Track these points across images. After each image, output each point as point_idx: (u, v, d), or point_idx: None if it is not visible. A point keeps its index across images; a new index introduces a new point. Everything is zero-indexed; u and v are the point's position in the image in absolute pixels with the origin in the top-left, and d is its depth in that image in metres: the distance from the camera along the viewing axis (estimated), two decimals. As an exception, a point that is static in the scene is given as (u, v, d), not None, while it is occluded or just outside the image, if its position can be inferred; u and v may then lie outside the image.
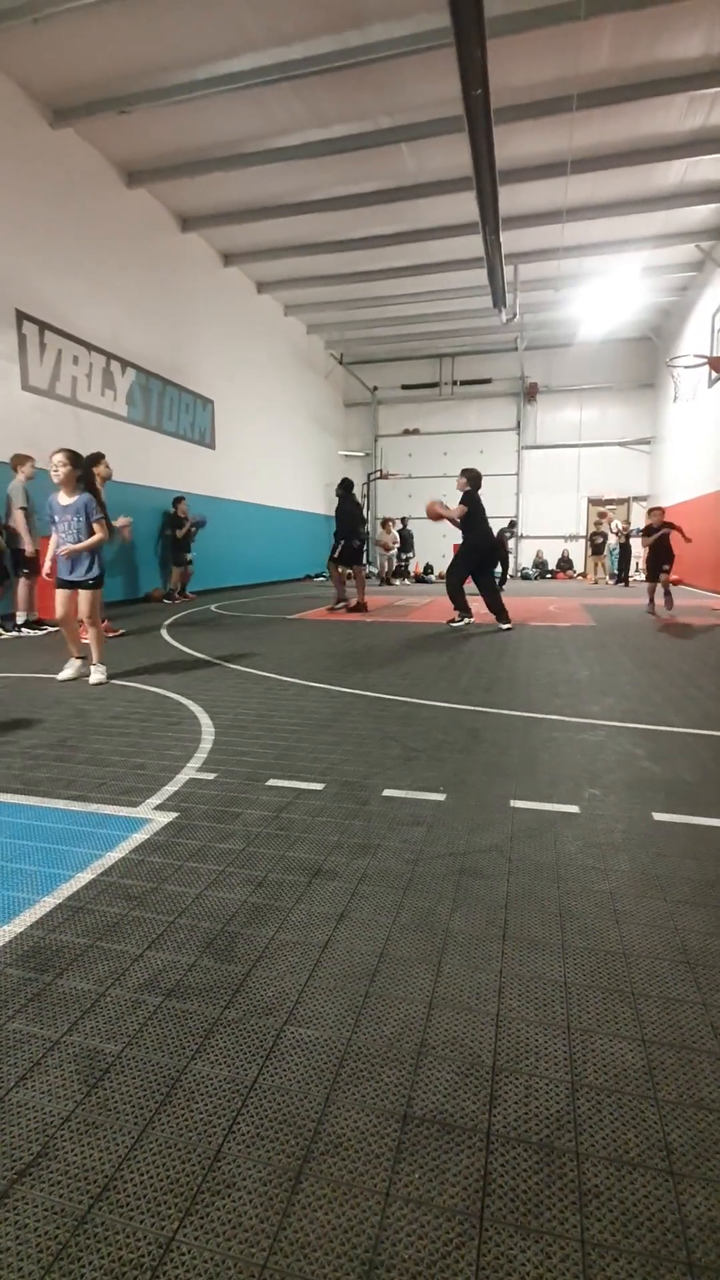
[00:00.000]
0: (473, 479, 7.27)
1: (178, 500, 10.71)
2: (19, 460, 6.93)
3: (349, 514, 8.84)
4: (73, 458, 4.36)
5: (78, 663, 4.56)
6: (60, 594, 4.48)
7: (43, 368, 8.35)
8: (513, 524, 15.98)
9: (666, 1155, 1.01)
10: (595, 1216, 0.92)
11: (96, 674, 4.40)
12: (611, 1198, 0.95)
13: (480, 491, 7.43)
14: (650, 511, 8.60)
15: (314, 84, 7.70)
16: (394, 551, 15.87)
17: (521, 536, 19.48)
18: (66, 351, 8.73)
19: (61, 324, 8.62)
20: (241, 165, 9.22)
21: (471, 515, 7.19)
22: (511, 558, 16.09)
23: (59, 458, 4.30)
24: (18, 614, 6.96)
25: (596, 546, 16.21)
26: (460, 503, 7.20)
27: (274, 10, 6.61)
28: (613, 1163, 1.00)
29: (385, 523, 16.07)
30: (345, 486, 9.05)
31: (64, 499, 4.37)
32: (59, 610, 4.49)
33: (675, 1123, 1.07)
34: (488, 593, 7.24)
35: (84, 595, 4.42)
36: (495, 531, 14.41)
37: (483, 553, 7.35)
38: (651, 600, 8.71)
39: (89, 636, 4.50)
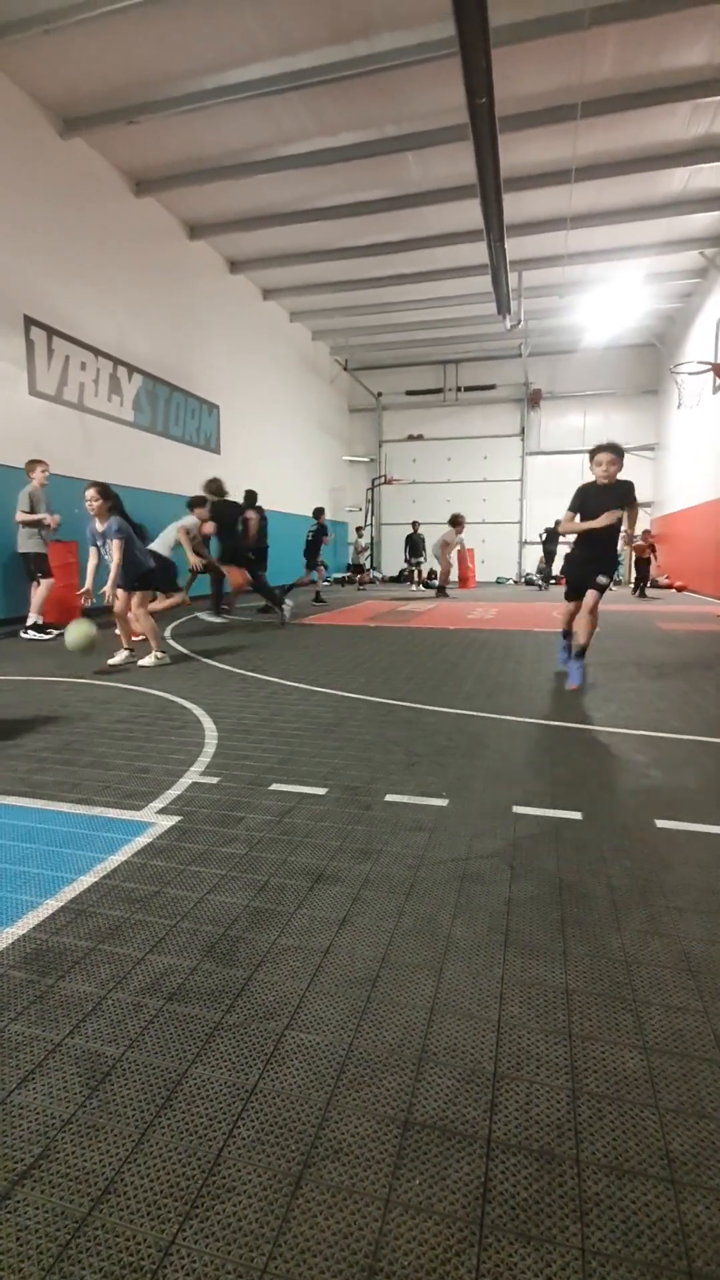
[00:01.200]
0: (203, 500, 8.18)
1: (320, 510, 11.29)
2: (31, 465, 6.96)
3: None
4: (102, 490, 4.92)
5: (125, 652, 5.16)
6: (122, 593, 5.14)
7: (50, 373, 8.41)
8: (549, 529, 15.73)
9: (667, 1164, 1.01)
10: (596, 1225, 0.92)
11: (148, 659, 5.04)
12: (612, 1206, 0.94)
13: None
14: (597, 451, 4.25)
15: (321, 93, 7.75)
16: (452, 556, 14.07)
17: (525, 542, 19.50)
18: (74, 357, 8.79)
19: (69, 330, 8.69)
20: (249, 173, 9.29)
21: (222, 527, 8.36)
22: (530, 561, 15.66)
23: (90, 493, 4.86)
24: (29, 616, 6.98)
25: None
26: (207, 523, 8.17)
27: (281, 20, 6.67)
28: (613, 1171, 1.00)
29: (456, 520, 13.87)
30: (249, 499, 9.88)
31: (100, 526, 4.96)
32: (116, 607, 5.17)
33: (676, 1131, 1.06)
34: (258, 586, 8.34)
35: (130, 596, 5.09)
36: (543, 537, 14.50)
37: (239, 553, 8.52)
38: (567, 639, 4.74)
39: (142, 629, 5.13)
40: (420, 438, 19.94)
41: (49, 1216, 0.93)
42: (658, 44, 7.02)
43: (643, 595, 13.12)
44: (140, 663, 5.03)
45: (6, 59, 7.20)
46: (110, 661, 5.09)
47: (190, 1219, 0.92)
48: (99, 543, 4.99)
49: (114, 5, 6.12)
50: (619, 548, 4.82)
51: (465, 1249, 0.89)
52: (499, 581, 18.76)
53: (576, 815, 2.31)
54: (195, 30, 6.78)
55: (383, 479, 18.69)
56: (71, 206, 8.57)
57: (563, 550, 16.67)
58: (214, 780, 2.66)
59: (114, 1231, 0.91)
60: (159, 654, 5.14)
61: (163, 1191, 0.96)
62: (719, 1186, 0.97)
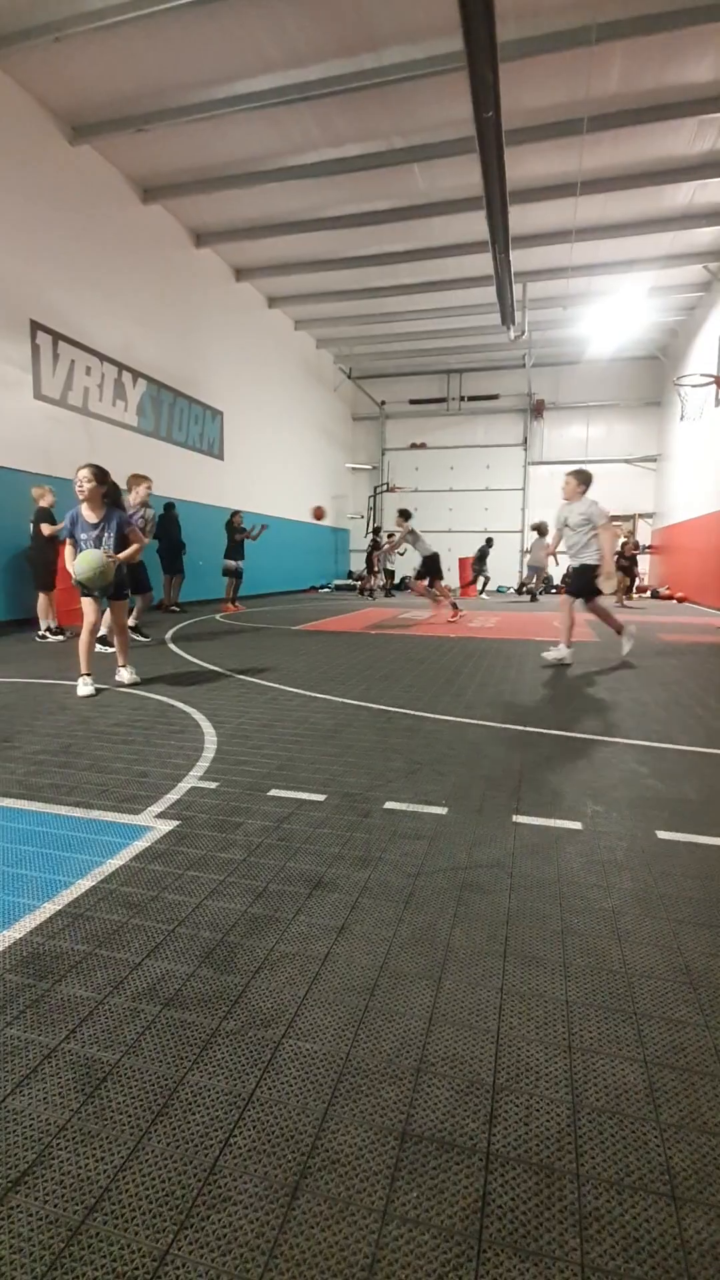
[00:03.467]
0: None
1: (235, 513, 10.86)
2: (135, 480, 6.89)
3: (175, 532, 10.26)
4: (98, 474, 4.29)
5: (90, 678, 4.37)
6: (87, 602, 4.39)
7: (55, 378, 8.44)
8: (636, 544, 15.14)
9: (668, 1179, 1.00)
10: (595, 1240, 0.91)
11: (128, 675, 4.63)
12: (612, 1221, 0.93)
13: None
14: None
15: (328, 104, 7.83)
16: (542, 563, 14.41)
17: (527, 551, 19.47)
18: (79, 362, 8.83)
19: (75, 335, 8.73)
20: (256, 183, 9.37)
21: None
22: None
23: (84, 473, 4.24)
24: (41, 621, 7.03)
25: (624, 568, 14.13)
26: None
27: (290, 33, 6.74)
28: (614, 1185, 0.99)
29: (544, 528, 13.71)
30: (168, 508, 10.20)
31: (89, 515, 4.30)
32: (88, 617, 4.38)
33: (677, 1146, 1.05)
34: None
35: (116, 605, 4.65)
36: (622, 548, 14.30)
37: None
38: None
39: (117, 643, 4.70)
40: (423, 446, 20.02)
41: (43, 1224, 0.91)
42: (664, 60, 7.09)
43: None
44: (125, 680, 4.58)
45: (17, 66, 7.27)
46: (81, 694, 4.24)
47: (185, 1228, 0.91)
48: (85, 534, 4.26)
49: (124, 15, 6.19)
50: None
51: (463, 1263, 0.88)
52: (500, 590, 18.77)
53: (577, 825, 2.30)
54: (205, 41, 6.86)
55: (385, 487, 18.74)
56: (79, 212, 8.64)
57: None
58: (213, 785, 2.66)
59: (108, 1240, 0.89)
60: (131, 667, 4.68)
61: (158, 1200, 0.95)
62: (720, 1203, 0.96)
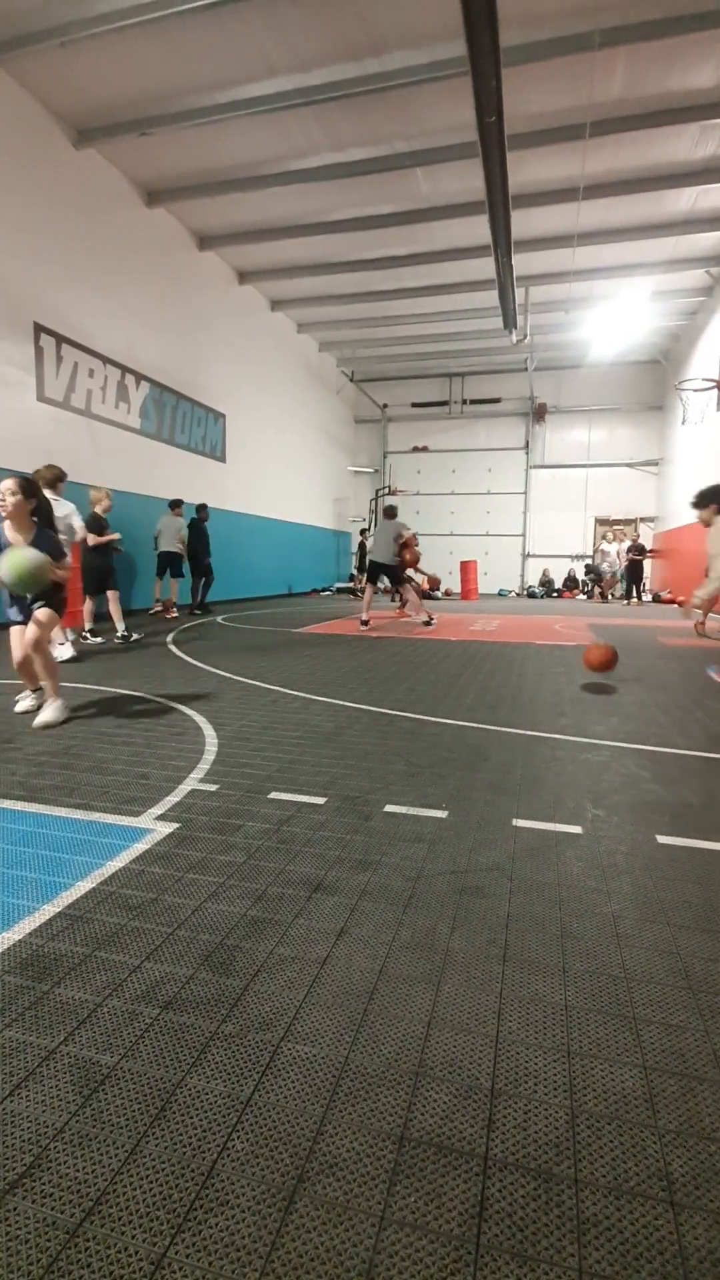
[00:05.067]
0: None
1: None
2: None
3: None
4: (23, 486, 3.53)
5: (33, 694, 3.84)
6: (16, 631, 3.62)
7: (58, 380, 8.47)
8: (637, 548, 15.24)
9: (667, 1185, 0.99)
10: (593, 1246, 0.90)
11: (48, 713, 3.53)
12: (610, 1227, 0.93)
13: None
14: None
15: (332, 109, 7.86)
16: (612, 568, 15.78)
17: (528, 555, 19.51)
18: (82, 364, 8.86)
19: (78, 337, 8.76)
20: (259, 186, 9.40)
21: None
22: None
23: (8, 485, 3.48)
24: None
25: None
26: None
27: (294, 37, 6.77)
28: (612, 1191, 0.98)
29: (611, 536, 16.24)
30: (200, 509, 10.45)
31: (11, 535, 3.57)
32: (17, 651, 3.58)
33: (676, 1152, 1.05)
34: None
35: (39, 615, 3.59)
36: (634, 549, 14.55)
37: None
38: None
39: (39, 666, 3.61)
40: (425, 449, 20.05)
41: (40, 1227, 0.91)
42: (666, 66, 7.12)
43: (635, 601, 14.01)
44: (39, 721, 3.51)
45: (22, 70, 7.31)
46: (19, 708, 3.78)
47: (183, 1232, 0.91)
48: None
49: (129, 20, 6.22)
50: None
51: (461, 1268, 0.87)
52: (501, 594, 18.78)
53: (577, 829, 2.29)
54: (209, 45, 6.89)
55: (387, 490, 18.77)
56: (83, 215, 8.68)
57: (537, 564, 16.67)
58: (213, 787, 2.66)
59: (105, 1243, 0.89)
60: (58, 700, 3.67)
61: (155, 1204, 0.95)
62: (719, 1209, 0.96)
